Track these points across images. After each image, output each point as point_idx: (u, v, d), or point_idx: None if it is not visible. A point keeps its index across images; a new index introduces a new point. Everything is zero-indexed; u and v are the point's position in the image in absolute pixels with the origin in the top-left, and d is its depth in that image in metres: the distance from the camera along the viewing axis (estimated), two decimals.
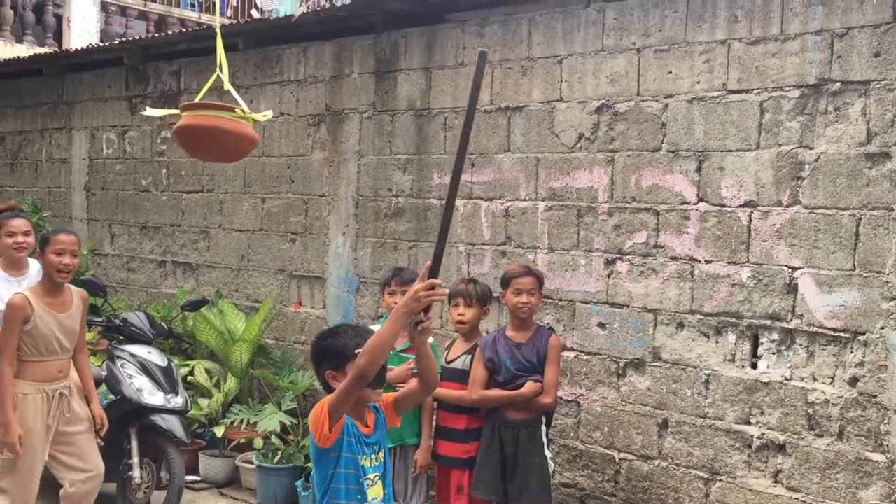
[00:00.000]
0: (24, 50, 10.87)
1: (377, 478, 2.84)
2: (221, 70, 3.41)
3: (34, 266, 5.07)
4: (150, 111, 3.38)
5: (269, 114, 3.46)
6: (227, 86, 3.41)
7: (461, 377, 4.30)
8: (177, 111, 3.35)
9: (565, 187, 4.83)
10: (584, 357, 4.76)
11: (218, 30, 3.31)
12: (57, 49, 10.80)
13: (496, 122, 5.13)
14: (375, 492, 2.82)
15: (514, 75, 5.06)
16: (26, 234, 4.89)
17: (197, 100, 3.32)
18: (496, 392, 4.15)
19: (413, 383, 2.98)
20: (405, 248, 5.60)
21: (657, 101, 4.46)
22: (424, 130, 5.51)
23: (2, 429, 4.02)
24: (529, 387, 4.08)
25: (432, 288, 2.58)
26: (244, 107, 3.41)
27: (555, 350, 4.15)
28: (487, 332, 4.52)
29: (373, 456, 2.83)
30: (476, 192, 5.23)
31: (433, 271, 2.60)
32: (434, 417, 4.40)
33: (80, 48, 8.46)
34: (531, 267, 4.33)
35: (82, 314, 4.38)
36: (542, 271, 4.88)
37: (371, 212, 5.81)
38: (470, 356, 4.30)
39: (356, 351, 2.70)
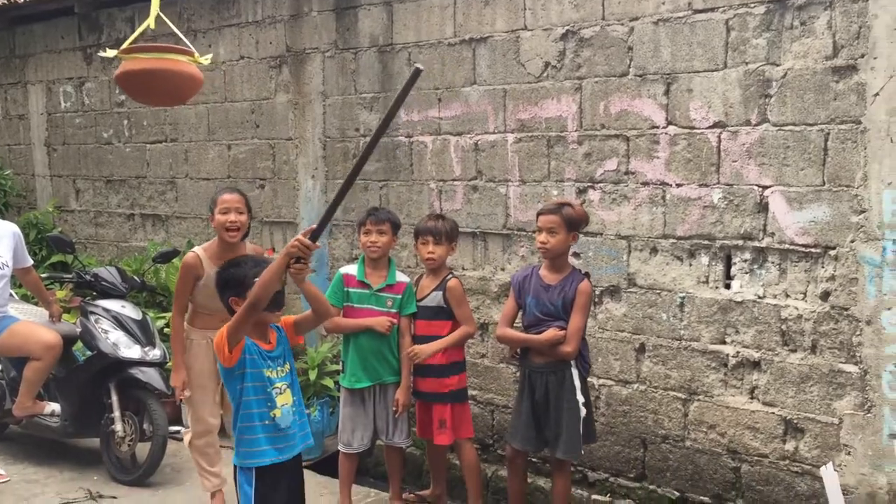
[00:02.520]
0: None
1: (285, 387, 3.21)
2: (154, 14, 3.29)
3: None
4: (109, 52, 3.25)
5: (210, 57, 3.37)
6: (153, 24, 3.27)
7: (434, 314, 4.30)
8: (130, 52, 3.22)
9: (534, 118, 4.78)
10: None
11: None
12: (5, 1, 10.41)
13: (461, 55, 5.04)
14: (284, 399, 3.19)
15: (476, 5, 4.95)
16: None
17: (126, 44, 3.21)
18: (516, 333, 4.09)
19: (309, 312, 3.32)
20: (376, 189, 5.55)
21: (623, 24, 4.39)
22: (389, 67, 5.41)
23: (173, 371, 4.35)
24: (549, 333, 3.92)
25: (305, 246, 2.93)
26: (190, 46, 3.31)
27: (583, 296, 3.91)
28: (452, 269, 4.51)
29: (278, 368, 3.20)
30: (444, 128, 5.16)
31: (315, 234, 2.96)
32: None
33: None
34: (564, 203, 4.00)
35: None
36: (515, 203, 4.88)
37: (339, 153, 5.74)
38: (440, 292, 4.29)
39: (256, 278, 3.04)
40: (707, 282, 4.26)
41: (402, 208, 5.35)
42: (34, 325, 5.05)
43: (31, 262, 5.25)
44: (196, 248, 4.33)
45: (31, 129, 7.99)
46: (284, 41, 5.97)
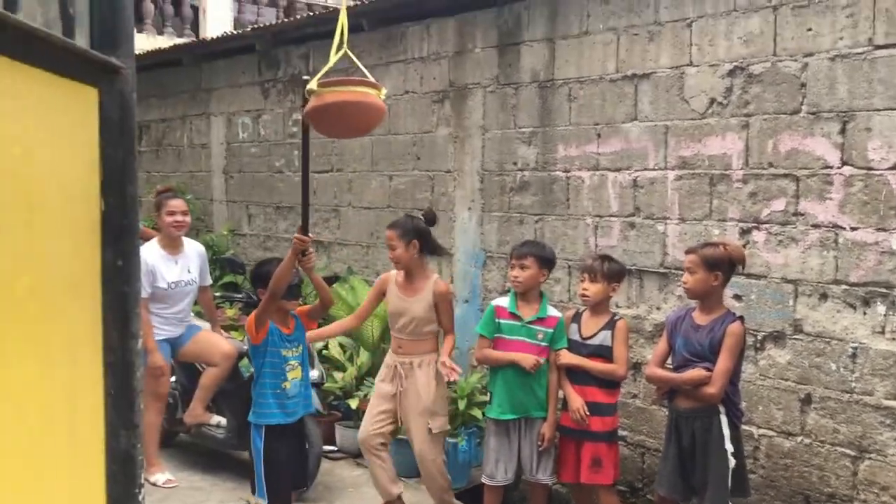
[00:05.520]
0: (164, 41, 11.43)
1: (297, 364, 4.03)
2: (342, 46, 3.45)
3: (189, 245, 5.40)
4: (312, 83, 3.44)
5: (385, 90, 3.54)
6: (338, 55, 3.41)
7: (594, 351, 4.27)
8: (325, 86, 3.38)
9: (696, 155, 4.67)
10: None
11: (344, 8, 3.36)
12: (194, 39, 11.29)
13: (622, 91, 5.01)
14: (294, 374, 4.01)
15: (640, 41, 4.91)
16: (184, 213, 5.24)
17: (316, 78, 3.39)
18: (663, 373, 4.02)
19: (317, 302, 4.23)
20: (531, 222, 5.57)
21: (795, 60, 4.23)
22: (548, 102, 5.44)
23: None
24: (692, 373, 3.82)
25: (302, 240, 3.81)
26: (370, 77, 3.47)
27: (731, 338, 3.76)
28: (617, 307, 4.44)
29: (293, 348, 4.02)
30: (602, 164, 5.13)
31: (304, 230, 3.84)
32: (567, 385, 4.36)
33: (215, 37, 8.82)
34: (708, 243, 3.97)
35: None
36: (674, 242, 4.77)
37: (496, 186, 5.81)
38: (609, 331, 4.24)
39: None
40: (883, 332, 3.98)
41: (556, 242, 5.34)
42: (215, 335, 5.44)
43: (210, 281, 5.64)
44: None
45: (212, 158, 8.59)
46: (448, 76, 6.14)
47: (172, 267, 5.22)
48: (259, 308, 3.91)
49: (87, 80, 0.94)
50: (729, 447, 3.77)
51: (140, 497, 1.06)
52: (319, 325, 4.59)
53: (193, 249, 5.43)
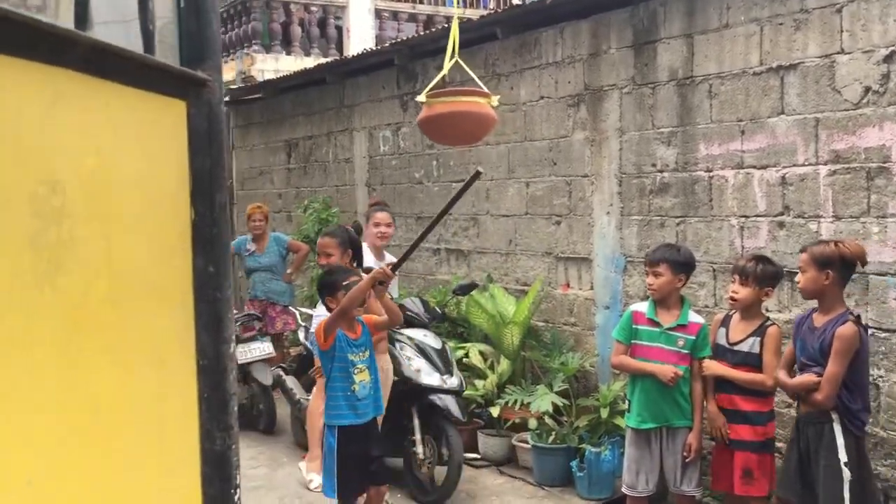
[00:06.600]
0: (311, 62, 11.89)
1: (364, 367, 4.16)
2: (454, 55, 3.51)
3: (387, 258, 5.63)
4: (421, 97, 3.57)
5: (498, 98, 3.57)
6: (450, 63, 3.47)
7: (752, 361, 4.05)
8: (434, 97, 3.47)
9: (851, 148, 4.36)
10: (882, 335, 4.26)
11: (456, 19, 3.40)
12: (338, 57, 11.68)
13: (767, 84, 4.75)
14: (362, 377, 4.14)
15: (785, 31, 4.65)
16: (388, 225, 5.55)
17: (427, 89, 3.46)
18: (782, 377, 3.86)
19: (385, 317, 4.33)
20: (672, 225, 5.38)
21: None
22: (688, 100, 5.24)
23: None
24: (800, 379, 3.69)
25: (386, 274, 4.12)
26: (483, 88, 3.50)
27: (840, 341, 3.54)
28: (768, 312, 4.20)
29: (359, 353, 4.15)
30: (747, 161, 4.88)
31: (395, 267, 4.17)
32: (711, 399, 4.17)
33: (355, 54, 9.10)
34: (821, 241, 3.84)
35: None
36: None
37: (635, 189, 5.65)
38: (758, 338, 4.02)
39: (344, 283, 4.11)
40: None
41: (699, 245, 5.13)
42: None
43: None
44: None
45: (355, 171, 8.85)
46: (583, 80, 6.04)
47: None
48: (329, 319, 4.09)
49: (175, 93, 0.99)
50: (843, 457, 3.53)
51: (236, 497, 1.09)
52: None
53: (388, 260, 5.69)
